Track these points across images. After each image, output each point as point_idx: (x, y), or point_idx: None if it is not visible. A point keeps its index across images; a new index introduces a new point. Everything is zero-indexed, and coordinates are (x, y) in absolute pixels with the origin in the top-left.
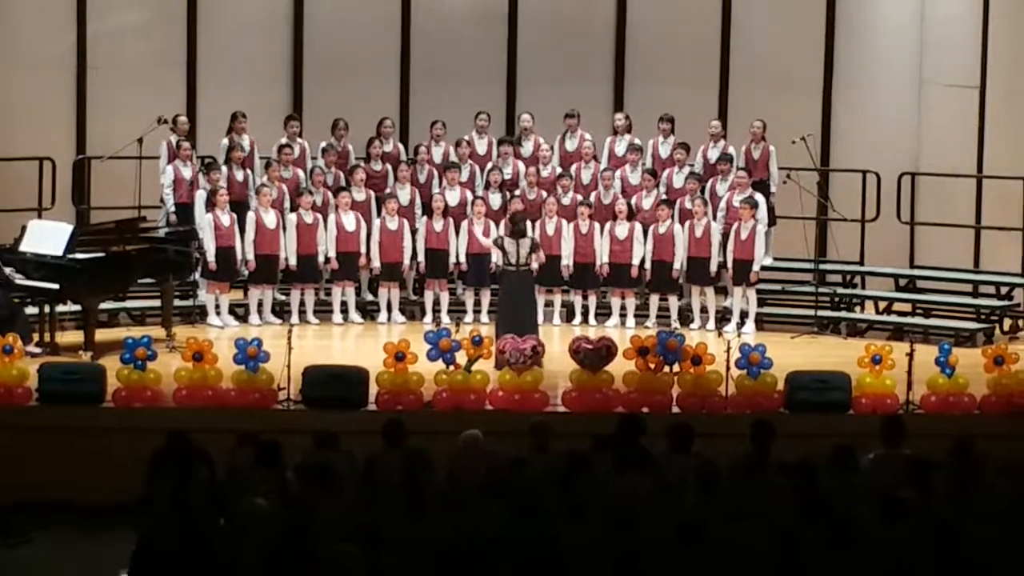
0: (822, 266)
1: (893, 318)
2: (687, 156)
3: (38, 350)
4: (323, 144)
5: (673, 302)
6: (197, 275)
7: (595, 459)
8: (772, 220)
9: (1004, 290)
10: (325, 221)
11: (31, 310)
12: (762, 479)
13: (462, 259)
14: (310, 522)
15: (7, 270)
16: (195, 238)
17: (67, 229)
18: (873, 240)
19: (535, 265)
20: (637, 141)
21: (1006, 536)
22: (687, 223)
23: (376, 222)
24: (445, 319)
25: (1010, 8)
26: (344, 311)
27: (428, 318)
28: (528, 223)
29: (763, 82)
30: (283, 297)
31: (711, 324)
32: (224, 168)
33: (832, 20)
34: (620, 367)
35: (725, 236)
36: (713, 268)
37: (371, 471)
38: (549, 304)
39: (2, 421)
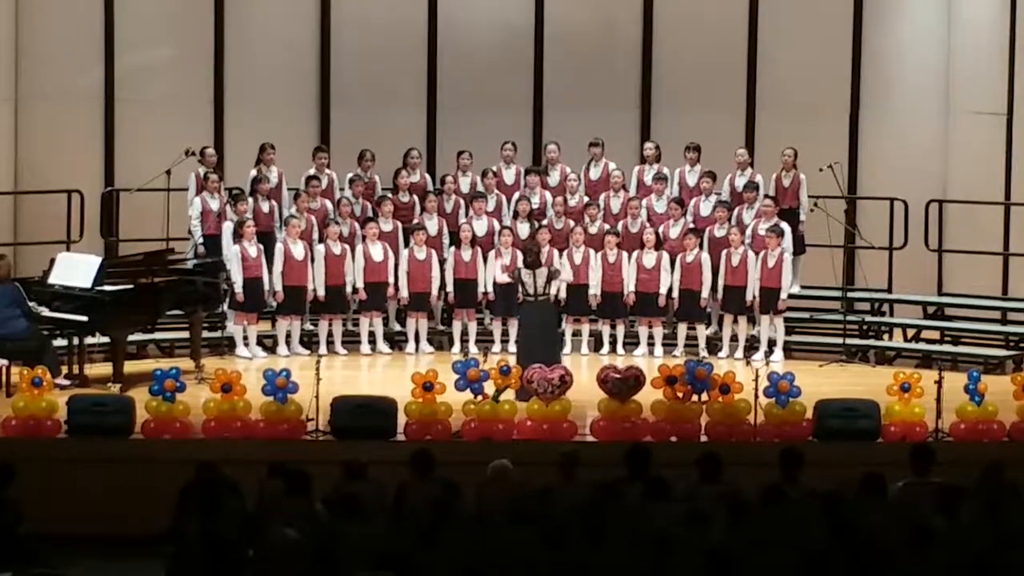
0: (850, 294)
1: (922, 346)
2: (714, 184)
3: (67, 382)
4: (350, 175)
5: (701, 331)
6: (225, 306)
7: (624, 489)
8: (801, 248)
9: None
10: (353, 252)
11: (60, 342)
12: (791, 508)
13: (490, 289)
14: (339, 552)
15: (32, 304)
16: (223, 269)
17: (95, 261)
18: (901, 268)
19: (554, 291)
20: (664, 170)
21: None
22: (723, 252)
23: (404, 252)
24: (473, 349)
25: None
26: (372, 341)
27: (456, 348)
28: (546, 250)
29: (790, 110)
30: (311, 328)
31: (739, 352)
32: (251, 199)
33: (858, 47)
34: (648, 396)
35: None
36: (749, 297)
37: (400, 501)
38: (577, 333)
39: (31, 453)
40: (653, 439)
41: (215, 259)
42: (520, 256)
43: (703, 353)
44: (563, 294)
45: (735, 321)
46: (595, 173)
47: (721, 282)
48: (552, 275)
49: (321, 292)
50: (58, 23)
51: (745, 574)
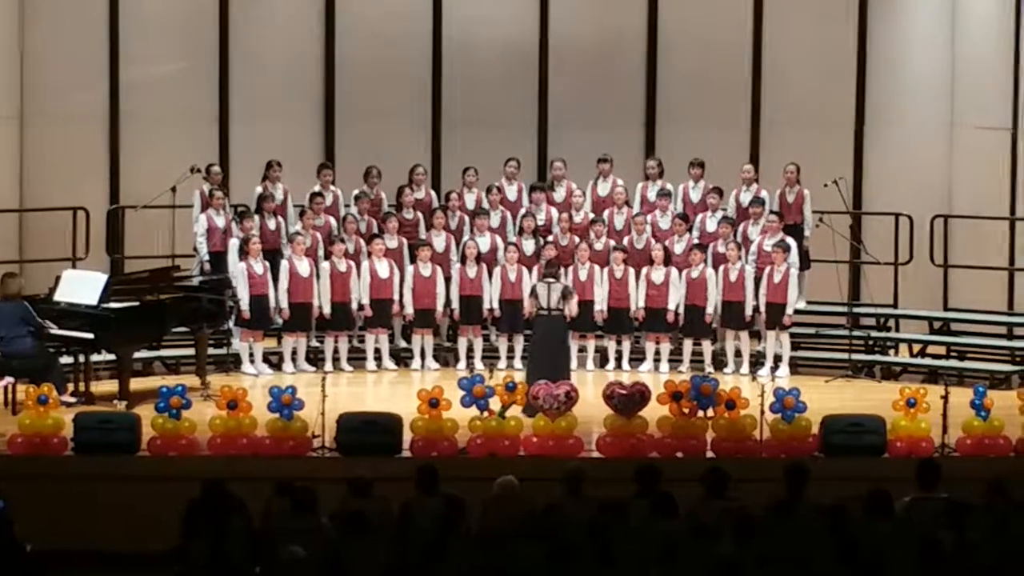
0: (856, 309)
1: (927, 361)
2: (720, 200)
3: (73, 400)
4: (356, 192)
5: (707, 347)
6: (231, 323)
7: (630, 504)
8: (806, 264)
9: None
10: (358, 268)
11: (66, 360)
12: (797, 523)
13: (495, 305)
14: (346, 569)
15: (47, 322)
16: (229, 286)
17: (101, 278)
18: (906, 283)
19: (567, 311)
20: (668, 187)
21: None
22: (721, 267)
23: (409, 269)
24: (479, 365)
25: None
26: (378, 358)
27: (462, 364)
28: (561, 270)
29: (795, 125)
30: (317, 344)
31: (745, 368)
32: (257, 217)
33: (863, 62)
34: (654, 412)
35: (757, 280)
36: (748, 312)
37: (405, 518)
38: (583, 349)
39: (38, 471)
40: (659, 455)
41: (221, 276)
42: (528, 271)
43: (709, 369)
44: (575, 312)
45: (736, 336)
46: (603, 189)
47: (720, 297)
48: (566, 293)
49: (327, 309)
50: (62, 40)
51: None
